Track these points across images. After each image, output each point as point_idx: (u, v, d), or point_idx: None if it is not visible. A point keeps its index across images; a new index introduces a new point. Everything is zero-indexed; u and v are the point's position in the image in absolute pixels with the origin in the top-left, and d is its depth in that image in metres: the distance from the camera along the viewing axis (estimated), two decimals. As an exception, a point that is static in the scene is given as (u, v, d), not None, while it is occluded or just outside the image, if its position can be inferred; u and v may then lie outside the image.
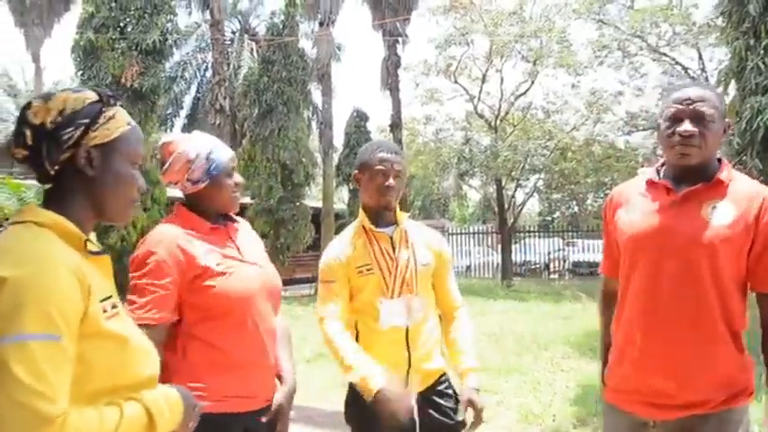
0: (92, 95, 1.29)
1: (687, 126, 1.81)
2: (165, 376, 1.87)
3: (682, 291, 1.82)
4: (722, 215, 1.80)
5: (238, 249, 2.02)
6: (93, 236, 1.38)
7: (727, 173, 1.87)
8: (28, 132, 1.24)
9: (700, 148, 1.82)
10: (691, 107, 1.83)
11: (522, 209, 22.47)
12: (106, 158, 1.28)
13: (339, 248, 2.30)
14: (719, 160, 1.94)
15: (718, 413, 1.82)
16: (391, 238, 2.28)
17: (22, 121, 1.25)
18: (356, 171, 2.33)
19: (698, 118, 1.82)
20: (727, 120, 1.90)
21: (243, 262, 1.99)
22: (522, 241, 21.37)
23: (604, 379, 2.09)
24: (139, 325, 1.71)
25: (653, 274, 1.86)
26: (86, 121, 1.25)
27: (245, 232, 2.11)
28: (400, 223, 2.31)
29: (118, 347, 1.19)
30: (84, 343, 1.12)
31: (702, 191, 1.85)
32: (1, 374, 1.01)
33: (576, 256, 21.37)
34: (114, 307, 1.22)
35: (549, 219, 36.12)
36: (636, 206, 1.96)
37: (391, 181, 2.23)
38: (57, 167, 1.25)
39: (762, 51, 5.81)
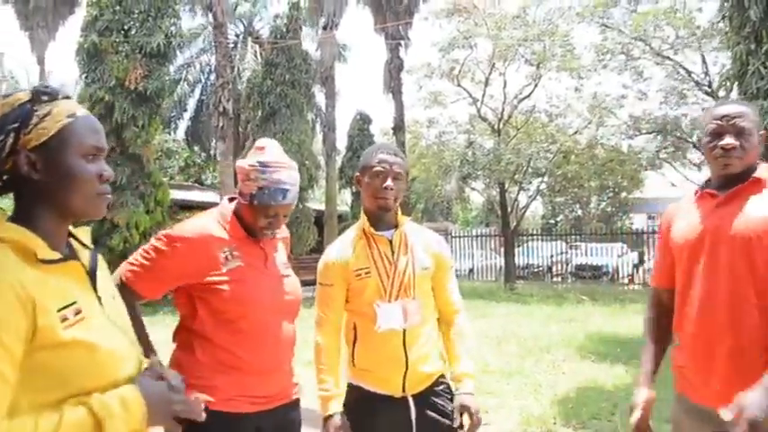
0: (23, 96, 1.22)
1: (728, 140, 2.00)
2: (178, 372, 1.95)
3: (738, 285, 1.92)
4: (763, 207, 1.94)
5: (266, 259, 2.08)
6: (87, 237, 1.39)
7: (764, 170, 2.04)
8: None
9: (741, 158, 2.01)
10: (730, 122, 2.01)
11: (525, 212, 22.46)
12: (50, 158, 1.21)
13: (339, 251, 2.32)
14: (759, 164, 2.09)
15: None
16: (391, 241, 2.30)
17: None
18: (357, 173, 2.35)
19: (737, 132, 2.00)
20: (762, 132, 2.08)
21: (264, 271, 2.06)
22: (525, 244, 21.35)
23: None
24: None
25: (710, 270, 1.98)
26: (16, 125, 1.19)
27: (275, 242, 2.19)
28: (400, 226, 2.33)
29: (85, 354, 1.16)
30: (45, 354, 1.12)
31: (743, 189, 2.01)
32: None
33: (578, 259, 21.34)
34: (78, 313, 1.17)
35: (553, 222, 36.11)
36: (686, 216, 2.13)
37: (389, 182, 2.23)
38: (4, 177, 1.22)
39: (763, 56, 5.81)
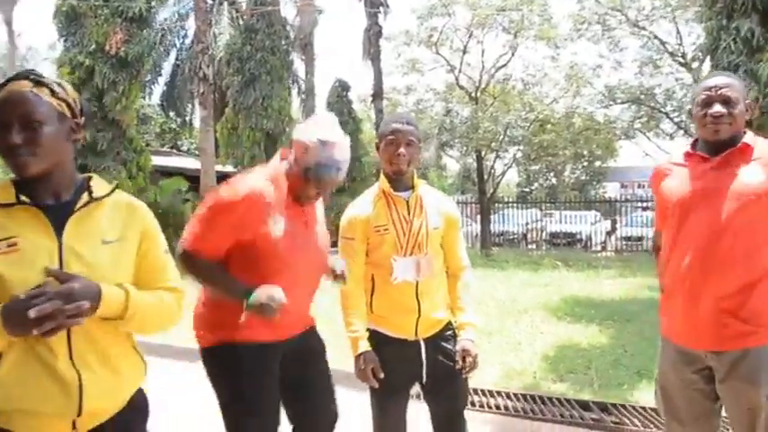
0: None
1: (717, 108, 2.20)
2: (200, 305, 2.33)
3: (724, 240, 2.16)
4: (756, 175, 2.17)
5: (306, 223, 2.34)
6: (101, 189, 1.67)
7: (751, 137, 2.25)
8: None
9: (730, 124, 2.21)
10: (719, 92, 2.22)
11: (501, 180, 22.79)
12: None
13: (361, 207, 2.58)
14: (745, 132, 2.32)
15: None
16: (407, 202, 2.55)
17: None
18: (377, 141, 2.60)
19: (725, 101, 2.21)
20: (748, 101, 2.29)
21: (304, 233, 2.32)
22: (501, 212, 21.70)
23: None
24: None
25: (697, 225, 2.22)
26: None
27: (316, 208, 2.45)
28: (416, 189, 2.58)
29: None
30: None
31: (734, 155, 2.21)
32: None
33: (553, 226, 21.75)
34: (11, 245, 1.49)
35: (528, 190, 36.62)
36: (678, 175, 2.34)
37: (402, 149, 2.48)
38: None
39: (734, 32, 6.07)
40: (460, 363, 2.51)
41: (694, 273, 2.22)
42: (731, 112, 2.20)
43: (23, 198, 1.54)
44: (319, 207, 2.48)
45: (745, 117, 2.26)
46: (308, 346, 2.46)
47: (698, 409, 2.32)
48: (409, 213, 2.54)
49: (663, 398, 2.43)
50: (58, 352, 1.51)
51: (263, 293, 2.07)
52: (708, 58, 7.18)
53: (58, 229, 1.55)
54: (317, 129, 2.24)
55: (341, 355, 3.13)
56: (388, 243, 2.50)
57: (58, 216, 1.56)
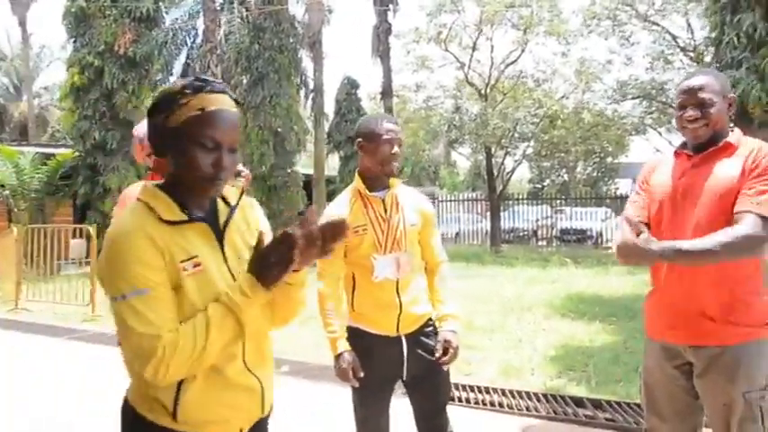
0: (176, 86, 1.50)
1: (690, 112, 2.24)
2: None
3: (701, 233, 2.15)
4: (732, 170, 2.18)
5: None
6: (233, 196, 1.64)
7: (737, 137, 2.25)
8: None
9: (705, 126, 2.22)
10: (692, 95, 2.24)
11: (511, 176, 22.73)
12: (176, 141, 1.48)
13: (338, 209, 2.59)
14: (733, 129, 2.32)
15: (742, 344, 2.14)
16: (383, 201, 2.58)
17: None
18: (360, 139, 2.59)
19: (698, 104, 2.22)
20: (731, 95, 2.29)
21: None
22: (511, 209, 21.63)
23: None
24: None
25: (679, 221, 2.25)
26: (165, 109, 1.50)
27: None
28: (392, 188, 2.61)
29: (188, 295, 1.45)
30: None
31: (714, 153, 2.23)
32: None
33: (563, 223, 21.64)
34: (197, 266, 1.46)
35: (540, 186, 36.46)
36: (665, 170, 2.38)
37: (396, 149, 2.54)
38: (156, 149, 1.54)
39: (737, 26, 6.02)
40: (440, 352, 2.52)
41: (674, 269, 2.23)
42: (705, 115, 2.21)
43: (197, 214, 1.53)
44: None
45: (726, 114, 2.27)
46: None
47: (678, 405, 2.33)
48: (386, 212, 2.56)
49: (645, 393, 2.44)
50: (238, 361, 1.54)
51: None
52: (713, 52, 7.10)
53: (220, 242, 1.56)
54: None
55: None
56: (367, 242, 2.52)
57: (214, 229, 1.56)
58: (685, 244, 2.09)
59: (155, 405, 1.48)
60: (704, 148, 2.26)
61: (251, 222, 1.66)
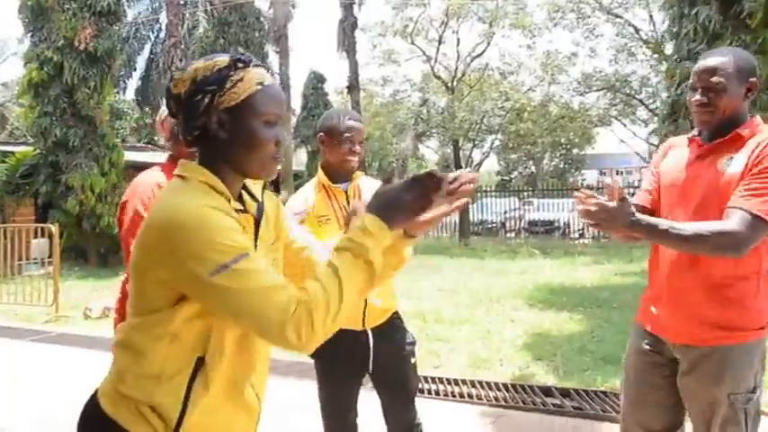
0: (222, 62, 1.35)
1: (697, 96, 2.09)
2: None
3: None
4: (735, 166, 2.06)
5: None
6: (258, 190, 1.53)
7: (750, 129, 2.09)
8: (171, 103, 1.39)
9: (713, 113, 2.07)
10: (702, 78, 2.09)
11: (478, 169, 22.88)
12: (237, 120, 1.35)
13: (303, 199, 2.61)
14: (753, 117, 2.19)
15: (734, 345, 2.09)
16: (346, 192, 2.60)
17: (168, 93, 1.38)
18: (322, 134, 2.60)
19: (707, 88, 2.07)
20: (752, 79, 2.10)
21: None
22: (480, 201, 21.75)
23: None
24: None
25: (680, 211, 2.16)
26: (214, 87, 1.33)
27: None
28: (355, 180, 2.63)
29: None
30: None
31: (721, 145, 2.09)
32: None
33: (532, 214, 21.82)
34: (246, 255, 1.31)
35: (507, 178, 36.76)
36: (677, 156, 2.26)
37: (357, 147, 2.56)
38: (196, 132, 1.37)
39: (693, 18, 6.14)
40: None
41: (673, 262, 2.18)
42: (713, 100, 2.06)
43: (246, 205, 1.45)
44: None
45: (739, 98, 2.09)
46: None
47: (655, 398, 2.29)
48: (348, 203, 2.58)
49: (625, 383, 2.40)
50: (248, 383, 1.46)
51: None
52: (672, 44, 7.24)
53: (255, 236, 1.46)
54: None
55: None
56: (329, 232, 2.51)
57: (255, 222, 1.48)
58: (663, 223, 2.01)
59: (149, 414, 1.33)
60: (716, 135, 2.13)
61: (271, 217, 1.57)
